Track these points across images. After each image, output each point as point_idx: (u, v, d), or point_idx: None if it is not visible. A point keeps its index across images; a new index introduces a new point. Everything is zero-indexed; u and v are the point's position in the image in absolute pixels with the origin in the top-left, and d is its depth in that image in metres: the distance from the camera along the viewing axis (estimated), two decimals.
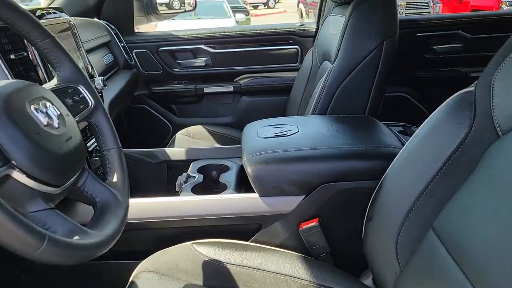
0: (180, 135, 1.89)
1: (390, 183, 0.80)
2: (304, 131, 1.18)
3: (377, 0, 1.39)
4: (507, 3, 7.09)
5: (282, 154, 1.04)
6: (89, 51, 1.55)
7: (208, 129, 1.93)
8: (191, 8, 2.29)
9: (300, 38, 2.05)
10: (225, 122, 2.11)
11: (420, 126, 0.77)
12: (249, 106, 2.09)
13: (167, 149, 1.43)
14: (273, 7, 19.04)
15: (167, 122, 2.12)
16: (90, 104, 0.73)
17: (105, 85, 1.24)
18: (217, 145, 1.85)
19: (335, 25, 1.56)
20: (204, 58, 2.08)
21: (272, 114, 2.11)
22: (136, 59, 2.04)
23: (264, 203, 1.01)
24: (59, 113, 0.61)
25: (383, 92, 1.43)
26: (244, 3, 13.86)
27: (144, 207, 1.01)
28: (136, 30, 2.06)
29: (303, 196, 1.01)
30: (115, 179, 0.72)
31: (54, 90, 0.66)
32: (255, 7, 18.03)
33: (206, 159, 1.35)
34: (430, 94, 2.05)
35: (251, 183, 1.02)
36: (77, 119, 0.67)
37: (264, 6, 19.10)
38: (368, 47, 1.37)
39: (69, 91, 0.70)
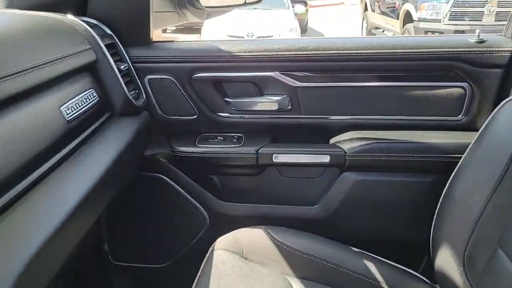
0: (221, 252, 0.94)
1: None
2: None
3: None
4: None
5: None
6: (25, 94, 0.61)
7: (278, 240, 0.95)
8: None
9: (474, 68, 1.02)
10: (310, 218, 1.12)
11: None
12: (360, 191, 1.09)
13: None
14: None
15: (199, 207, 1.16)
16: None
17: None
18: (297, 283, 0.88)
19: None
20: (277, 98, 1.10)
21: (408, 213, 1.12)
22: (151, 92, 1.09)
23: None
24: None
25: None
26: None
27: None
28: (154, 38, 1.11)
29: None
30: None
31: None
32: None
33: None
34: None
35: None
36: None
37: None
38: None
39: None
